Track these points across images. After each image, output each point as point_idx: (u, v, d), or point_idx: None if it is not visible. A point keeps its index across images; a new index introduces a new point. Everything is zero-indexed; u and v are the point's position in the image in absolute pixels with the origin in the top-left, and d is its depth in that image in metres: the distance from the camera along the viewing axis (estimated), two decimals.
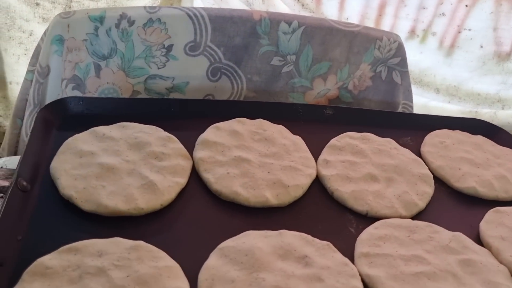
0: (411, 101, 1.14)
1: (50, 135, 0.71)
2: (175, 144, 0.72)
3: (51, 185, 0.63)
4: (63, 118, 0.74)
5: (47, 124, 0.71)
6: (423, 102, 1.37)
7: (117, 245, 0.54)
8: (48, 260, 0.51)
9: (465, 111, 1.41)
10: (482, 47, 1.28)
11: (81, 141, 0.69)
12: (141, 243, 0.56)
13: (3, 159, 0.77)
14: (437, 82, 1.34)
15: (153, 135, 0.73)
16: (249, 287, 0.52)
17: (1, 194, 0.68)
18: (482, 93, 1.37)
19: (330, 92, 1.10)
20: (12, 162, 0.76)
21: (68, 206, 0.60)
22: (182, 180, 0.67)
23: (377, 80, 1.11)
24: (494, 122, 1.39)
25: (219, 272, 0.54)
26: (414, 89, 1.32)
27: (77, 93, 0.98)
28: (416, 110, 1.25)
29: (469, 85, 1.35)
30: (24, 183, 0.60)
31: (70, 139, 0.69)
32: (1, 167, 0.75)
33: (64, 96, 0.96)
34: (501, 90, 1.37)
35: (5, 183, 0.70)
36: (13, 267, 0.52)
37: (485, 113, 1.41)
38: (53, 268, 0.50)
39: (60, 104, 0.74)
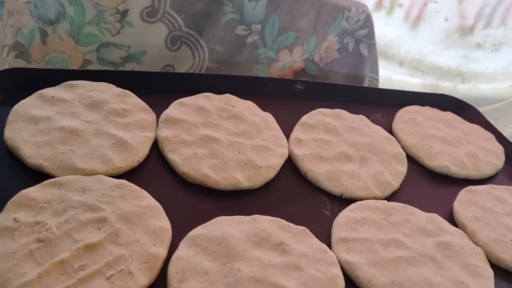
0: (377, 74, 1.13)
1: None
2: (133, 99, 0.69)
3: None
4: (7, 92, 0.65)
5: None
6: (387, 75, 1.36)
7: (101, 182, 0.55)
8: (33, 192, 0.52)
9: (427, 85, 1.41)
10: (446, 20, 1.27)
11: (30, 106, 0.63)
12: (124, 182, 0.56)
13: None
14: (401, 55, 1.33)
15: (108, 92, 0.69)
16: (224, 279, 0.48)
17: None
18: (444, 66, 1.37)
19: (296, 64, 1.06)
20: None
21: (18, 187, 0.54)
22: (151, 134, 0.64)
23: (344, 52, 1.08)
24: (454, 96, 1.42)
25: (190, 264, 0.49)
26: (379, 62, 1.31)
27: (20, 62, 0.89)
28: (379, 83, 1.23)
29: (431, 59, 1.35)
30: None
31: (17, 106, 0.62)
32: None
33: (5, 65, 0.88)
34: (462, 64, 1.38)
35: None
36: None
37: (446, 87, 1.43)
38: (37, 200, 0.51)
39: (4, 76, 0.66)
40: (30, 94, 0.66)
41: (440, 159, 0.73)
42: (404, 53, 1.33)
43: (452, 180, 0.72)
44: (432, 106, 0.88)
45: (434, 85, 1.42)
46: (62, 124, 0.61)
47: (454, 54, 1.34)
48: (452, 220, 0.65)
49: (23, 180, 0.55)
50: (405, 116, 0.81)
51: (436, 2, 1.23)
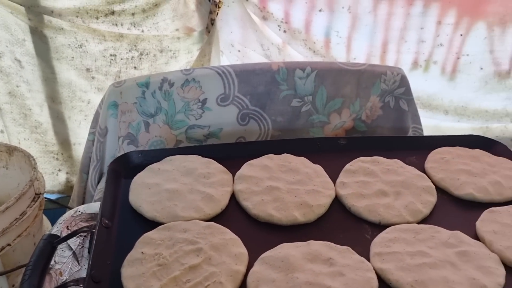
0: (420, 124, 1.28)
1: (120, 183, 0.89)
2: (215, 165, 0.93)
3: (127, 220, 0.80)
4: (128, 169, 0.92)
5: (116, 175, 0.89)
6: (435, 124, 1.49)
7: (196, 224, 0.78)
8: (151, 234, 0.75)
9: (476, 128, 1.52)
10: (482, 69, 1.41)
11: (144, 177, 0.88)
12: (213, 223, 0.78)
13: (82, 206, 0.95)
14: (445, 105, 1.47)
15: (196, 162, 0.93)
16: (286, 284, 0.67)
17: (84, 233, 0.86)
18: (490, 109, 1.48)
19: (346, 124, 1.25)
20: (89, 207, 0.94)
21: (141, 232, 0.77)
22: (229, 189, 0.87)
23: (387, 109, 1.25)
24: (505, 135, 1.51)
25: (262, 276, 0.68)
26: (424, 112, 1.46)
27: (131, 147, 1.16)
28: (428, 132, 1.37)
29: (476, 104, 1.47)
30: (106, 221, 0.78)
31: (135, 178, 0.89)
32: (81, 212, 0.93)
33: (121, 151, 1.15)
34: (508, 105, 1.48)
35: (85, 224, 0.88)
36: (107, 285, 0.68)
37: (496, 128, 1.52)
38: (155, 239, 0.74)
39: (124, 158, 0.93)
40: (143, 169, 0.92)
41: (466, 188, 0.86)
42: (447, 102, 1.47)
43: (477, 205, 0.85)
44: (462, 146, 1.02)
45: (484, 127, 1.52)
46: (167, 187, 0.85)
47: (497, 98, 1.46)
48: (475, 237, 0.77)
49: (145, 226, 0.78)
50: (435, 156, 0.96)
51: (468, 55, 1.39)
